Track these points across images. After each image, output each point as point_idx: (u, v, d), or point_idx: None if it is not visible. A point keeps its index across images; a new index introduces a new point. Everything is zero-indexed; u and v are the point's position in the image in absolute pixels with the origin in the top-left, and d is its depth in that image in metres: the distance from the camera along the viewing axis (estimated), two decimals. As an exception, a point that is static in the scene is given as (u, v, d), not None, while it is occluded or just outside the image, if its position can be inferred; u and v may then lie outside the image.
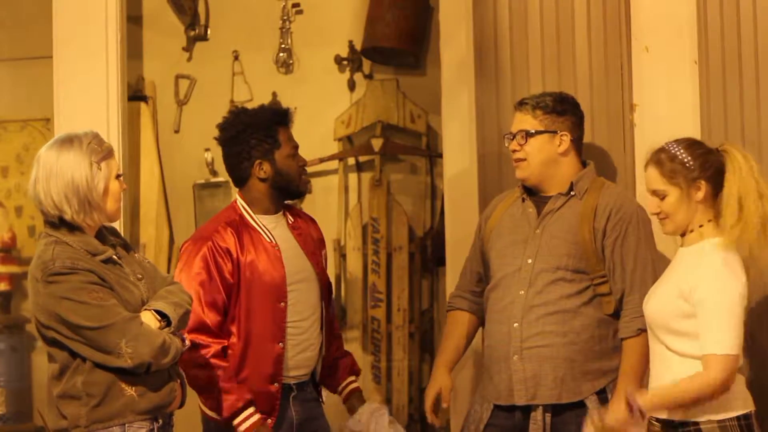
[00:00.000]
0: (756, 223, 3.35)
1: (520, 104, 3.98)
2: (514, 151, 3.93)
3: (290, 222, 4.02)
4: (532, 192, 3.98)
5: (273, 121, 3.95)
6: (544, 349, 3.81)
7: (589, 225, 3.86)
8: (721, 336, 3.28)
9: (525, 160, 3.91)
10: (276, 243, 3.92)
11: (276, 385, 3.86)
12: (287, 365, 3.89)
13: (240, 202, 3.98)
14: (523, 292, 3.84)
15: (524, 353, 3.82)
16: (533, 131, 3.91)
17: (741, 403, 3.37)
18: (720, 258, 3.34)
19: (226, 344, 3.85)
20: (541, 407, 3.82)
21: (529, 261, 3.87)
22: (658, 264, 3.83)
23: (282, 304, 3.88)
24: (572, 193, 3.92)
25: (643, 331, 3.69)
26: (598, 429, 3.45)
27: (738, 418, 3.34)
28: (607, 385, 3.81)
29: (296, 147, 3.98)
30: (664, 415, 3.40)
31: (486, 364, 3.97)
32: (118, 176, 3.36)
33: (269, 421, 3.85)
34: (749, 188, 3.37)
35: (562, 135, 3.92)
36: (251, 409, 3.79)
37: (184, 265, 3.86)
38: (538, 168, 3.92)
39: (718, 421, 3.32)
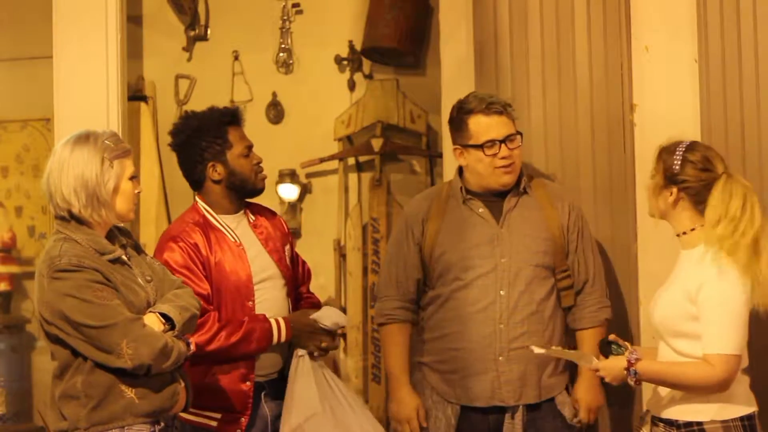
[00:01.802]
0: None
1: (501, 107, 3.89)
2: (506, 157, 3.86)
3: (251, 221, 4.01)
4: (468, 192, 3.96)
5: (222, 121, 3.95)
6: (529, 350, 3.80)
7: (557, 221, 3.91)
8: (727, 335, 3.28)
9: (514, 163, 3.88)
10: (240, 242, 3.93)
11: (248, 383, 3.86)
12: (258, 363, 3.90)
13: (201, 204, 3.98)
14: (503, 292, 3.83)
15: (510, 354, 3.82)
16: (519, 133, 3.89)
17: (744, 404, 3.37)
18: (723, 257, 3.34)
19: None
20: (522, 407, 3.82)
21: (503, 260, 3.85)
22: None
23: (250, 302, 3.89)
24: (525, 191, 3.94)
25: (608, 321, 3.78)
26: (587, 367, 3.46)
27: (741, 418, 3.34)
28: (568, 384, 3.92)
29: (249, 146, 3.97)
30: (664, 414, 3.40)
31: (453, 365, 3.90)
32: (132, 178, 3.37)
33: (242, 420, 3.85)
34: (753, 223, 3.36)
35: (522, 133, 3.93)
36: (272, 321, 3.86)
37: (163, 263, 3.83)
38: (519, 169, 3.93)
39: (722, 422, 3.32)
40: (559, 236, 3.90)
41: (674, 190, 3.42)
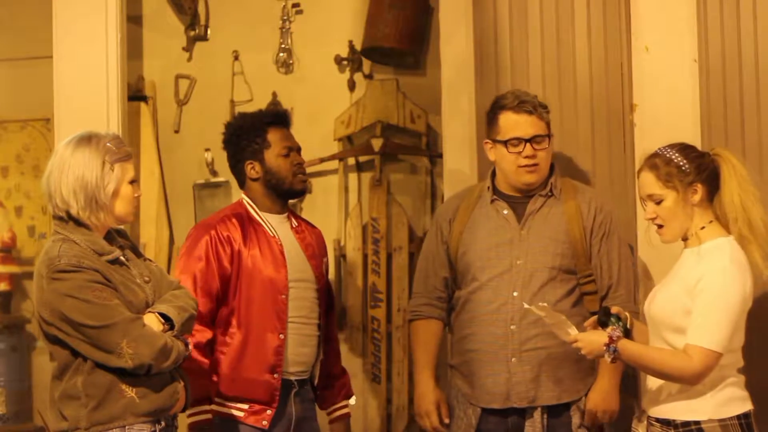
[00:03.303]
0: (763, 231, 3.37)
1: (532, 107, 3.88)
2: (530, 156, 3.85)
3: (294, 225, 4.08)
4: (497, 191, 3.95)
5: (263, 122, 4.04)
6: (543, 351, 3.80)
7: (579, 224, 3.88)
8: (712, 331, 3.29)
9: (538, 164, 3.87)
10: (279, 238, 3.97)
11: (276, 376, 3.89)
12: (287, 359, 3.93)
13: (246, 199, 4.07)
14: (516, 293, 3.82)
15: (523, 356, 3.81)
16: (547, 134, 3.88)
17: (741, 403, 3.38)
18: (728, 255, 3.35)
19: (211, 336, 3.88)
20: (539, 408, 3.81)
21: (519, 262, 3.85)
22: (634, 260, 3.96)
23: (283, 296, 3.93)
24: (551, 193, 3.92)
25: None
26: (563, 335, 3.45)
27: (739, 417, 3.35)
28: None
29: (290, 147, 4.03)
30: (660, 413, 3.41)
31: (471, 367, 3.91)
32: (132, 182, 3.37)
33: (268, 412, 3.87)
34: (749, 194, 3.39)
35: (552, 135, 3.93)
36: (207, 406, 3.82)
37: (186, 250, 3.96)
38: (546, 171, 3.91)
39: (720, 420, 3.32)
40: (580, 239, 3.87)
41: (698, 186, 3.41)
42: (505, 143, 3.88)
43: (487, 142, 3.97)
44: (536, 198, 3.92)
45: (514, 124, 3.87)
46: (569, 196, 3.93)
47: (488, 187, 3.98)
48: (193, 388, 3.64)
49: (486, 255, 3.90)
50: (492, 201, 3.95)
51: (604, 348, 3.35)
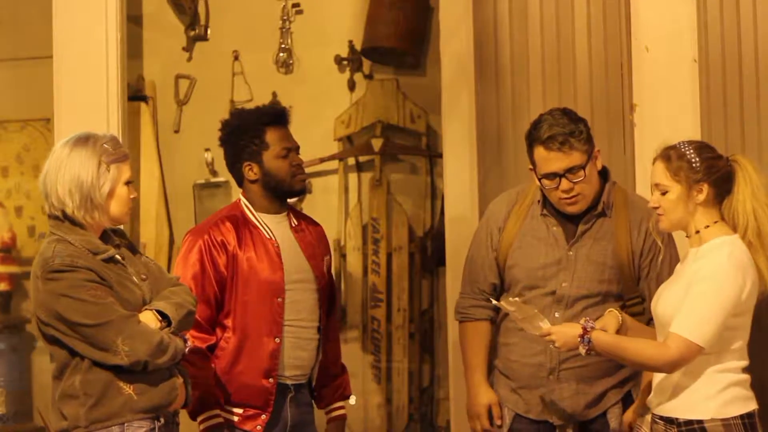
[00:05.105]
0: None
1: (561, 142, 3.67)
2: (567, 189, 3.69)
3: (293, 224, 4.02)
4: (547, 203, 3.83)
5: (261, 122, 3.94)
6: (582, 370, 3.76)
7: (627, 248, 3.79)
8: (697, 323, 3.28)
9: (580, 194, 3.72)
10: (276, 240, 3.93)
11: (271, 380, 3.87)
12: (283, 363, 3.90)
13: (243, 200, 4.01)
14: (558, 314, 3.74)
15: (561, 374, 3.77)
16: (582, 165, 3.69)
17: (745, 402, 3.37)
18: (726, 252, 3.35)
19: (213, 342, 3.87)
20: (572, 423, 3.81)
21: (564, 284, 3.77)
22: None
23: (279, 299, 3.89)
24: (604, 213, 3.79)
25: None
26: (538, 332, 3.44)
27: (742, 416, 3.34)
28: (632, 389, 3.82)
29: (288, 148, 3.95)
30: (663, 412, 3.41)
31: (510, 375, 3.88)
32: (128, 183, 3.38)
33: (263, 417, 3.86)
34: (761, 203, 3.38)
35: (596, 152, 3.77)
36: (217, 410, 3.80)
37: (181, 257, 3.91)
38: (591, 195, 3.77)
39: (722, 420, 3.32)
40: (627, 264, 3.77)
41: (705, 186, 3.41)
42: (540, 179, 3.75)
43: (530, 168, 3.81)
44: (588, 218, 3.79)
45: (545, 160, 3.70)
46: (620, 213, 3.81)
47: (538, 201, 3.84)
48: (200, 395, 3.66)
49: (534, 274, 3.81)
50: (542, 214, 3.84)
51: (579, 339, 3.35)
